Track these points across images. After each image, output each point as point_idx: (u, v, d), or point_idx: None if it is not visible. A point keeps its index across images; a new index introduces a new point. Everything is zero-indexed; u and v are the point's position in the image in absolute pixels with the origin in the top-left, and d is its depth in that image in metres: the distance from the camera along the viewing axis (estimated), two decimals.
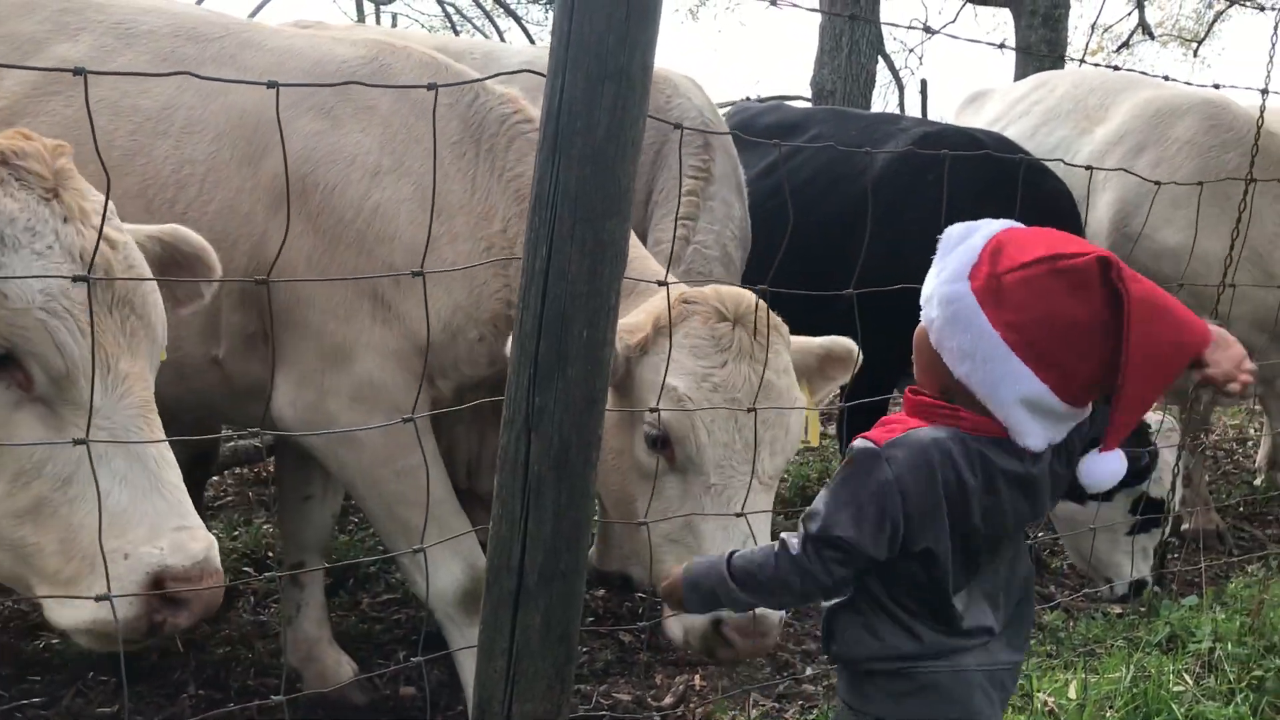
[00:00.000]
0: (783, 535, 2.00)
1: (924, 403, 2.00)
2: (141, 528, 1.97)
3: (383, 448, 2.89)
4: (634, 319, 2.82)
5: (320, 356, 2.92)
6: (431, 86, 2.05)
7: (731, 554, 2.06)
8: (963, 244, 1.96)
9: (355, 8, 16.08)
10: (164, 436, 2.08)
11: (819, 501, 1.96)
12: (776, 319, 2.84)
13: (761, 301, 2.78)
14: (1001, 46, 3.18)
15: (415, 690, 3.52)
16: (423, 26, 19.82)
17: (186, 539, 1.99)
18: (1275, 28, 3.09)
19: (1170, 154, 4.99)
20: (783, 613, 2.63)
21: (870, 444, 1.93)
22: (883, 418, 2.08)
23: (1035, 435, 1.92)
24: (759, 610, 2.54)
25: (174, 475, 2.05)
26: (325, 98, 2.93)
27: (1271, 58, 3.16)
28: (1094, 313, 1.83)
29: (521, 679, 2.02)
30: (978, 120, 6.24)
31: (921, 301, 1.99)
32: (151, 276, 2.18)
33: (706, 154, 3.90)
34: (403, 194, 2.91)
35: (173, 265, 2.35)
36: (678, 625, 2.71)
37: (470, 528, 2.99)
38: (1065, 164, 4.09)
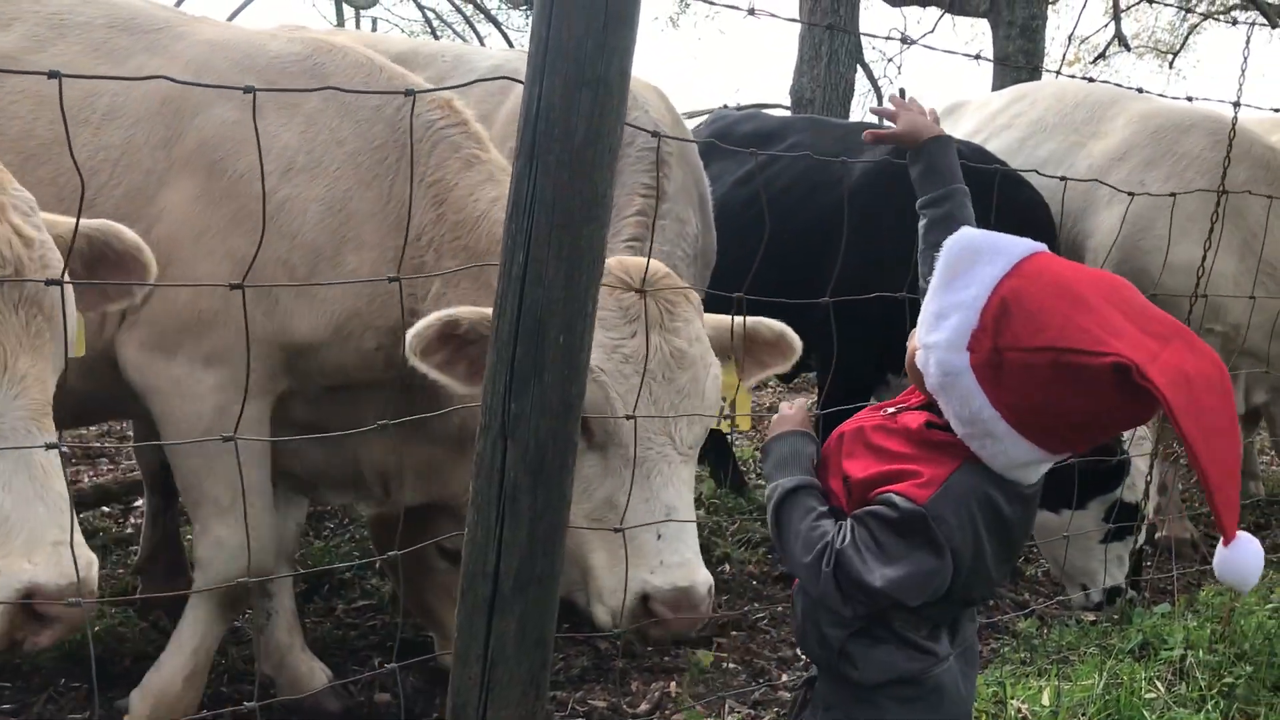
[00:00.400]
0: (829, 542, 1.90)
1: (941, 440, 1.91)
2: (19, 538, 1.90)
3: (214, 417, 2.83)
4: None
5: (181, 322, 2.86)
6: (410, 93, 2.05)
7: (804, 487, 1.98)
8: (964, 277, 1.85)
9: (335, 12, 16.05)
10: (56, 441, 2.01)
11: (856, 538, 1.88)
12: (686, 286, 2.82)
13: (667, 269, 2.75)
14: (978, 58, 3.21)
15: (390, 696, 3.50)
16: (402, 31, 19.80)
17: (65, 556, 1.90)
18: (1247, 41, 3.13)
19: (1180, 169, 5.02)
20: (710, 583, 2.59)
21: (914, 505, 1.85)
22: (875, 423, 2.02)
23: (1036, 476, 1.94)
24: (686, 582, 2.53)
25: (59, 484, 1.98)
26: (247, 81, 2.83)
27: (1244, 71, 3.20)
28: (1107, 404, 1.76)
29: (497, 686, 2.02)
30: (955, 132, 6.26)
31: (921, 331, 1.91)
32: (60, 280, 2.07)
33: (660, 169, 3.62)
34: (313, 194, 2.85)
35: (103, 262, 2.30)
36: (603, 610, 2.65)
37: (271, 533, 2.99)
38: (1067, 179, 4.14)
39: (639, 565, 2.55)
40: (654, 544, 2.57)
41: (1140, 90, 4.10)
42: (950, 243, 1.91)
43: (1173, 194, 4.11)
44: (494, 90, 4.75)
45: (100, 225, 2.32)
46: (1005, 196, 3.69)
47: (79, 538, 1.97)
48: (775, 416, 2.14)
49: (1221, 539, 1.81)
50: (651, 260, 2.75)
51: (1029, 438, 1.82)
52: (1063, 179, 3.48)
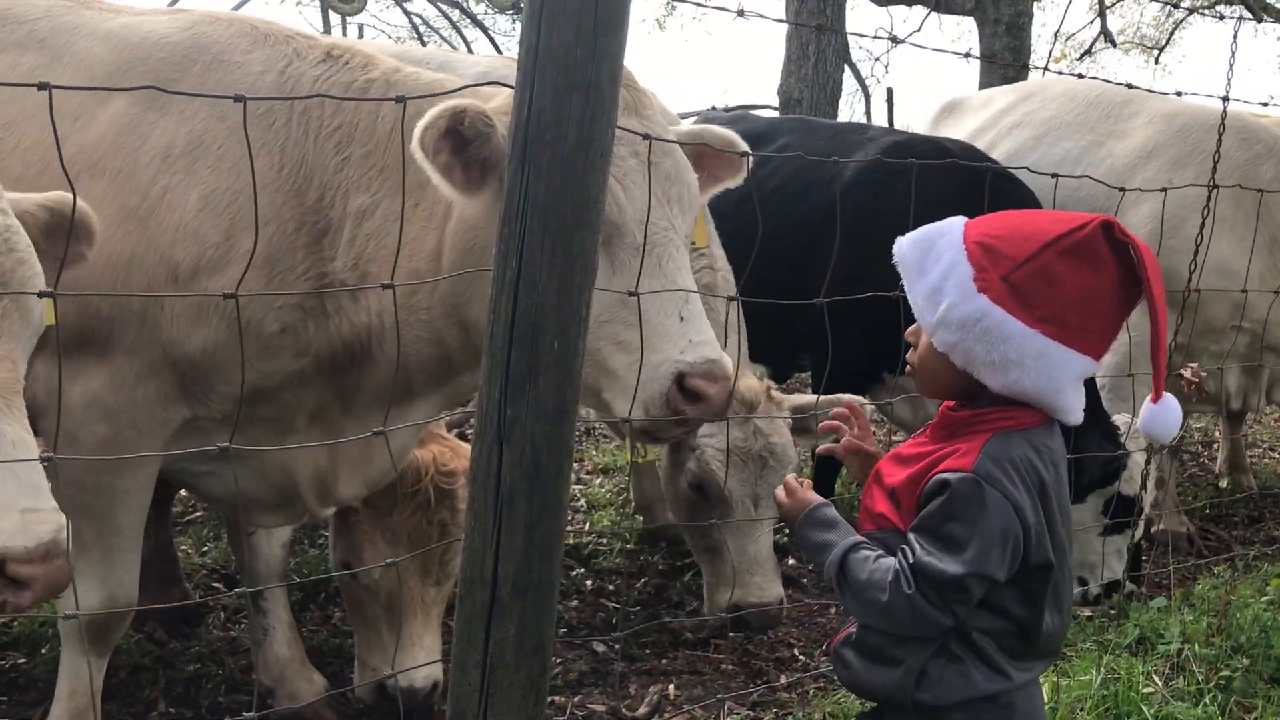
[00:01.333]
0: (899, 566, 1.89)
1: (965, 417, 1.95)
2: None
3: (93, 454, 2.66)
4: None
5: (67, 348, 2.61)
6: (400, 100, 2.03)
7: (857, 544, 1.96)
8: (931, 257, 1.93)
9: (321, 20, 16.04)
10: (24, 419, 2.00)
11: (923, 545, 1.87)
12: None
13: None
14: (967, 56, 3.23)
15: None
16: (390, 38, 19.79)
17: (33, 520, 1.91)
18: (1234, 36, 3.14)
19: (1210, 168, 5.05)
20: (732, 364, 2.56)
21: (962, 473, 1.86)
22: (895, 451, 2.05)
23: (1077, 410, 1.96)
24: (715, 354, 2.48)
25: (31, 453, 1.97)
26: (134, 78, 2.69)
27: (1232, 65, 3.21)
28: (1111, 275, 1.88)
29: (496, 691, 2.02)
30: (957, 131, 6.26)
31: (925, 316, 1.94)
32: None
33: None
34: (198, 178, 2.64)
35: (59, 230, 2.22)
36: (639, 403, 2.46)
37: (134, 572, 2.85)
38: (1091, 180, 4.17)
39: (666, 348, 2.45)
40: (678, 326, 2.48)
41: (1130, 85, 4.12)
42: (902, 245, 1.99)
43: (1207, 189, 4.12)
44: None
45: (56, 197, 2.25)
46: (999, 193, 3.70)
47: (50, 502, 1.97)
48: (785, 507, 2.10)
49: (1151, 396, 2.00)
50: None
51: (1073, 344, 1.87)
52: (1060, 177, 3.50)
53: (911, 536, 1.89)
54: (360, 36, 18.57)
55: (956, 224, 1.95)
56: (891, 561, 1.90)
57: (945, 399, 2.01)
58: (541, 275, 1.94)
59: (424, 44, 18.79)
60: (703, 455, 3.81)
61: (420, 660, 3.14)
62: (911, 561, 1.86)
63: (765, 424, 3.82)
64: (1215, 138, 4.65)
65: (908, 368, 2.05)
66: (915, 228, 2.24)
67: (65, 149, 2.57)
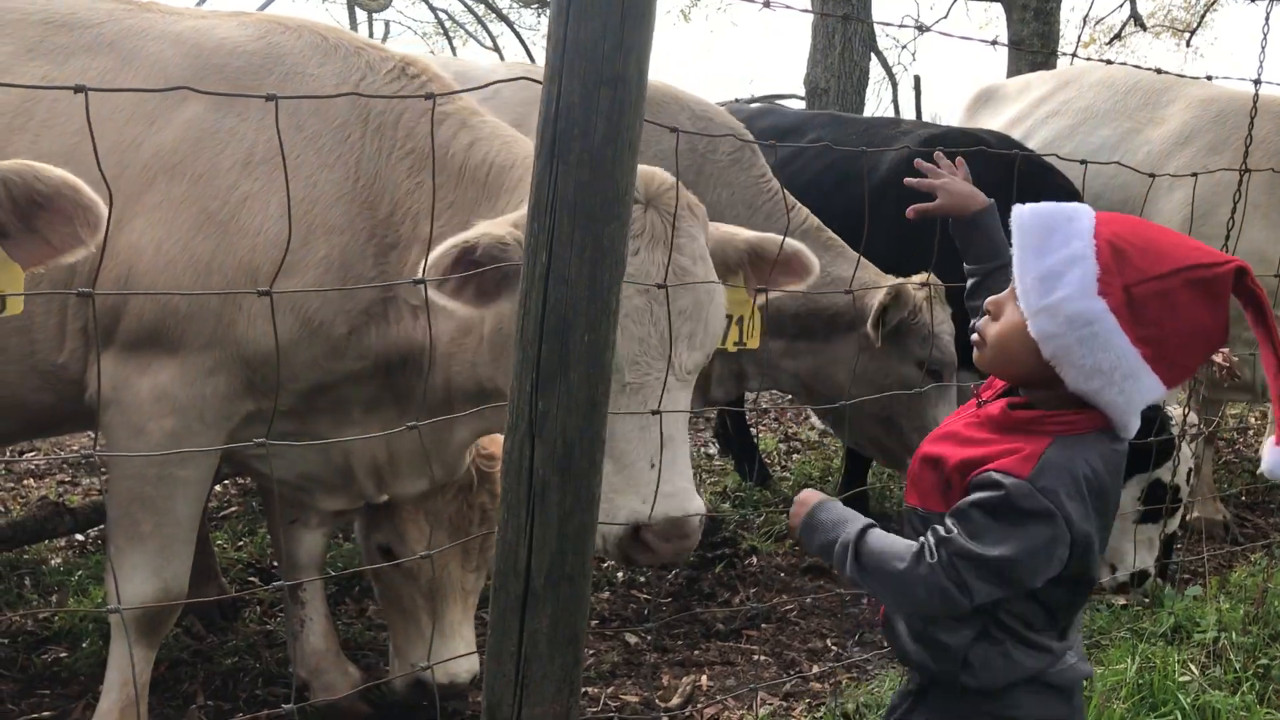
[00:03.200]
0: (925, 539, 1.89)
1: (1031, 418, 1.92)
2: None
3: (159, 446, 2.70)
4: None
5: (139, 343, 2.71)
6: (430, 96, 2.04)
7: (869, 527, 1.97)
8: (1056, 238, 1.86)
9: (347, 16, 16.11)
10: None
11: (962, 522, 1.86)
12: (691, 198, 2.64)
13: (677, 180, 2.59)
14: (994, 43, 3.19)
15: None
16: (415, 34, 19.86)
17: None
18: (1267, 18, 3.10)
19: (1240, 148, 5.01)
20: (702, 513, 2.53)
21: (1016, 478, 1.83)
22: (949, 426, 2.04)
23: (1135, 428, 1.94)
24: (678, 512, 2.45)
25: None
26: (211, 85, 2.74)
27: (1264, 48, 3.17)
28: (1220, 319, 1.85)
29: (530, 683, 2.03)
30: (994, 120, 6.22)
31: (1030, 299, 1.87)
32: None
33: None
34: (275, 185, 2.67)
35: (41, 213, 2.13)
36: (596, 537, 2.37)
37: (187, 564, 2.86)
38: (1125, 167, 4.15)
39: (631, 493, 2.45)
40: (647, 473, 2.45)
41: (1159, 70, 4.09)
42: (1023, 214, 1.91)
43: (1229, 174, 4.08)
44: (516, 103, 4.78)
45: (16, 166, 2.12)
46: (1036, 181, 3.69)
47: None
48: (796, 501, 2.10)
49: (1275, 438, 1.95)
50: (658, 170, 2.58)
51: (1159, 371, 1.84)
52: (1089, 164, 3.47)
53: (949, 520, 1.87)
54: (386, 32, 18.64)
55: (1085, 212, 1.89)
56: (914, 538, 1.91)
57: (1009, 381, 1.99)
58: (571, 269, 1.95)
59: (449, 39, 18.84)
60: (943, 343, 4.12)
61: (460, 650, 3.15)
62: (944, 535, 1.85)
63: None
64: (1257, 123, 4.60)
65: (974, 337, 2.01)
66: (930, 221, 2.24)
67: (142, 151, 2.71)
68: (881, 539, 1.94)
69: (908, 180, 2.41)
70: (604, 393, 2.01)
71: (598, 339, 1.98)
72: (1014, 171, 4.15)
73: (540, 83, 1.97)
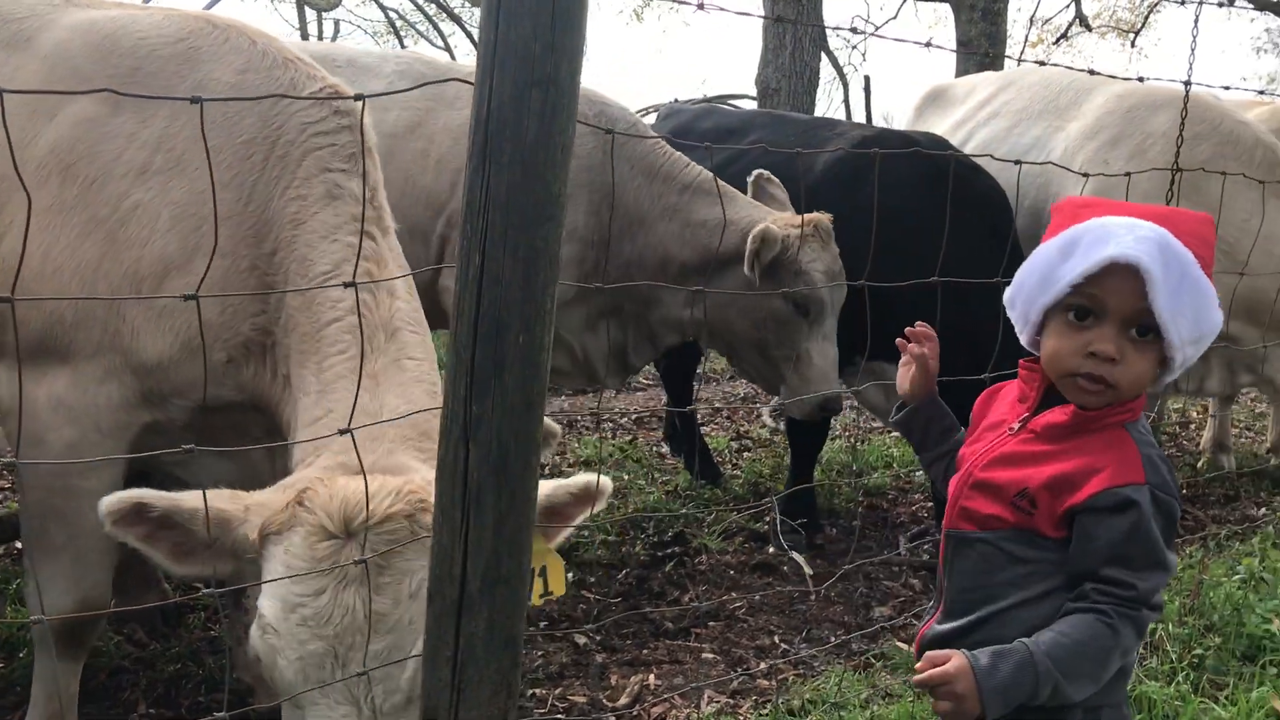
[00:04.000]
0: (1100, 607, 1.83)
1: (1100, 414, 1.92)
2: None
3: (59, 456, 2.64)
4: (270, 496, 2.23)
5: (33, 353, 2.66)
6: (360, 97, 2.03)
7: (1020, 647, 1.84)
8: (1182, 280, 1.85)
9: (296, 15, 15.96)
10: None
11: (1124, 565, 1.83)
12: (424, 515, 2.16)
13: (414, 497, 2.18)
14: (929, 45, 3.22)
15: None
16: (366, 33, 19.71)
17: None
18: (1196, 20, 3.16)
19: (1145, 146, 5.09)
20: None
21: (1136, 485, 1.85)
22: (991, 451, 2.01)
23: None
24: None
25: None
26: (113, 79, 2.66)
27: (1194, 50, 3.23)
28: None
29: (467, 687, 2.02)
30: (941, 123, 6.28)
31: (1175, 345, 1.86)
32: None
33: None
34: (169, 198, 2.62)
35: None
36: None
37: (106, 575, 2.79)
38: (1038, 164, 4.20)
39: None
40: None
41: (1092, 72, 4.15)
42: (1150, 264, 1.81)
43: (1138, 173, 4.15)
44: (417, 96, 4.74)
45: None
46: (963, 182, 3.76)
47: None
48: (938, 679, 1.85)
49: None
50: (392, 483, 2.19)
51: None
52: (1023, 164, 3.54)
53: (1109, 571, 1.83)
54: (336, 31, 18.49)
55: (1165, 235, 1.85)
56: (1060, 622, 1.85)
57: (1106, 405, 1.93)
58: (505, 271, 1.94)
59: (400, 38, 18.72)
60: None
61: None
62: (1121, 595, 1.82)
63: (835, 245, 4.40)
64: (1160, 117, 4.68)
65: (1096, 386, 1.90)
66: (879, 219, 2.26)
67: (38, 148, 2.64)
68: (1052, 640, 1.84)
69: (898, 342, 2.29)
70: (539, 395, 2.01)
71: (533, 340, 1.98)
72: (940, 172, 4.22)
73: (471, 83, 1.97)
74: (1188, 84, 3.35)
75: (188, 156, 2.63)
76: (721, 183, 4.43)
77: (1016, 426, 2.00)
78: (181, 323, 2.62)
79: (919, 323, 2.25)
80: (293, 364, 2.56)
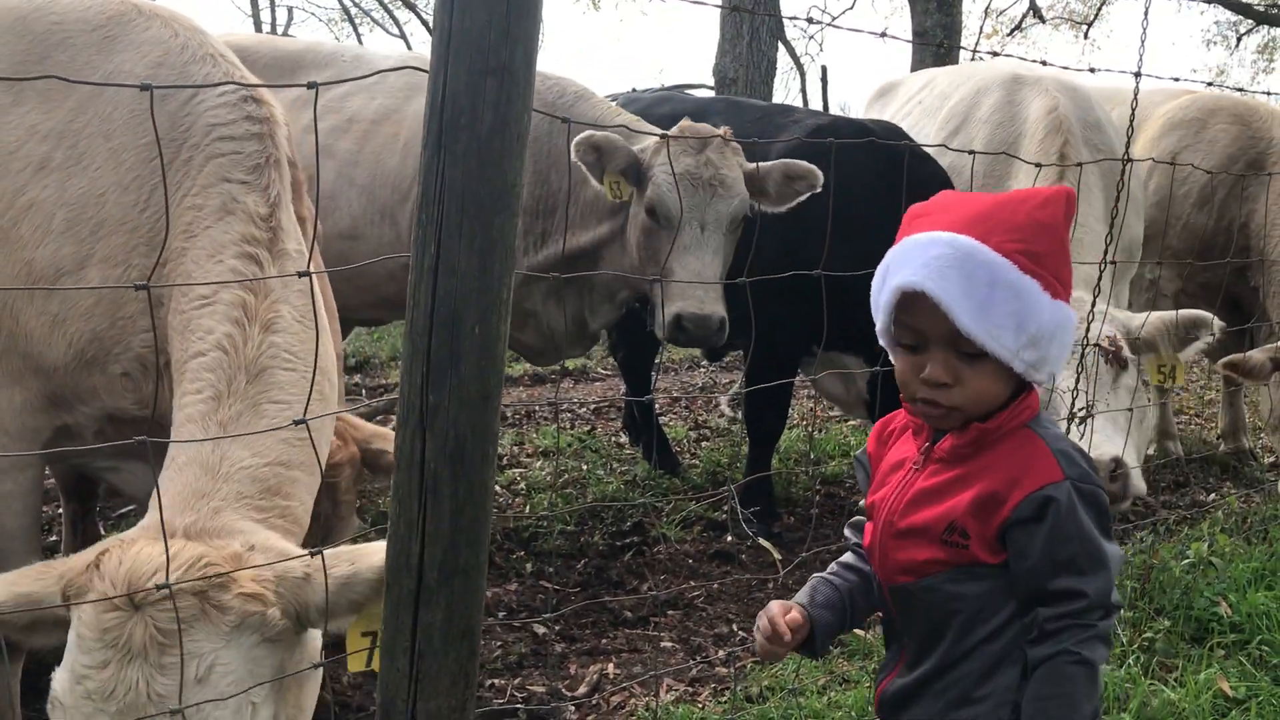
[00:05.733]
0: (1052, 655, 1.72)
1: (998, 424, 1.82)
2: None
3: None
4: (79, 559, 2.07)
5: None
6: (312, 85, 2.00)
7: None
8: (977, 285, 1.73)
9: (250, 2, 15.77)
10: None
11: (1070, 582, 1.73)
12: (220, 593, 2.00)
13: (212, 570, 2.01)
14: (883, 35, 3.23)
15: (325, 694, 3.48)
16: (320, 20, 19.52)
17: None
18: (1145, 13, 3.21)
19: (974, 130, 5.22)
20: None
21: (1055, 483, 1.75)
22: (904, 494, 1.89)
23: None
24: None
25: None
26: (21, 65, 2.55)
27: (1143, 42, 3.27)
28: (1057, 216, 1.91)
29: (425, 677, 2.01)
30: (883, 116, 6.36)
31: (1005, 352, 1.74)
32: None
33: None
34: (67, 196, 2.49)
35: None
36: None
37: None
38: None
39: None
40: None
41: (1044, 63, 4.20)
42: (931, 283, 1.73)
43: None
44: (401, 87, 4.77)
45: None
46: (911, 172, 3.82)
47: None
48: None
49: None
50: (179, 548, 2.02)
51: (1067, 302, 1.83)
52: (976, 154, 3.60)
53: (1054, 583, 1.74)
54: (290, 19, 18.29)
55: (969, 243, 1.75)
56: (1046, 674, 1.73)
57: (982, 419, 1.83)
58: (461, 260, 1.93)
59: (355, 26, 18.55)
60: (657, 182, 4.19)
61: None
62: (1082, 604, 1.73)
63: (716, 155, 4.22)
64: (988, 101, 4.71)
65: (937, 411, 1.82)
66: (837, 207, 2.25)
67: None
68: (1042, 712, 1.74)
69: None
70: (496, 385, 2.00)
71: (489, 330, 1.97)
72: (893, 161, 4.25)
73: (426, 71, 1.95)
74: (1138, 75, 3.40)
75: (90, 153, 2.51)
76: (634, 118, 4.46)
77: (921, 460, 1.89)
78: (74, 331, 2.53)
79: (777, 622, 1.96)
80: (174, 391, 2.41)
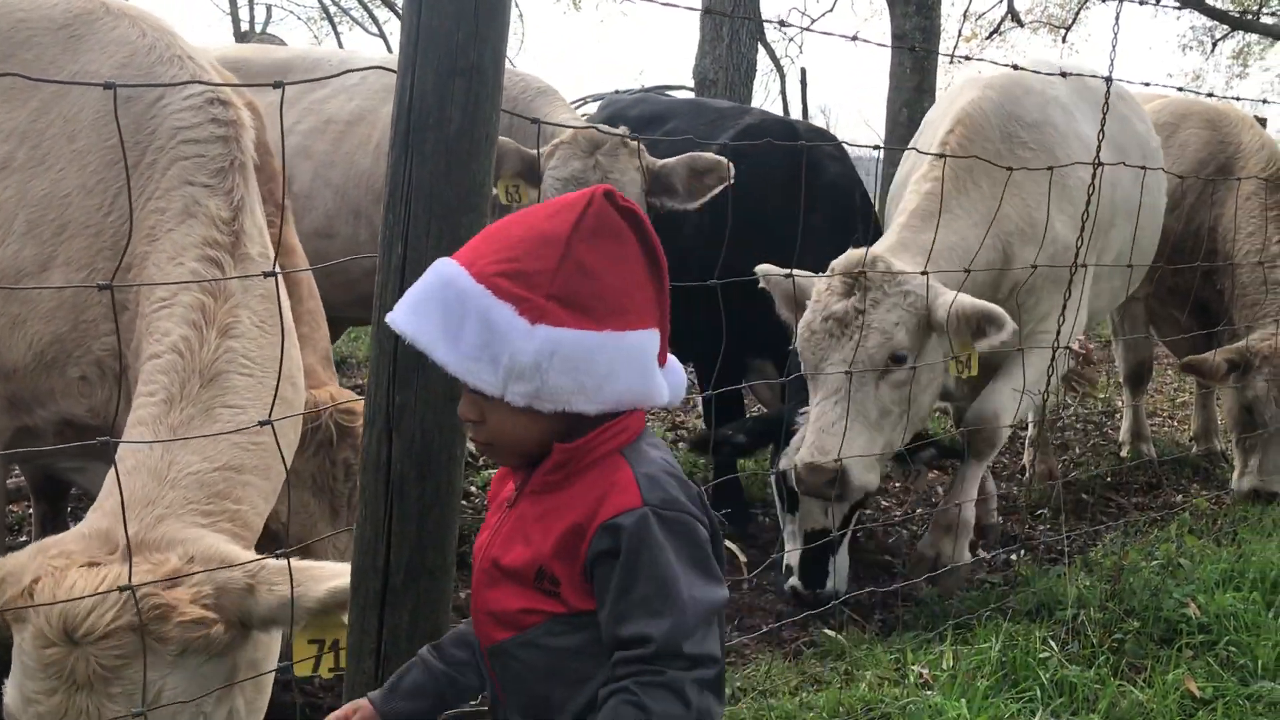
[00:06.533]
0: (612, 694, 1.53)
1: (574, 451, 1.63)
2: None
3: None
4: (18, 565, 2.03)
5: None
6: (278, 84, 1.98)
7: None
8: (450, 318, 1.59)
9: (229, 1, 15.70)
10: None
11: (641, 620, 1.53)
12: (160, 624, 1.94)
13: (149, 603, 1.94)
14: (854, 39, 3.22)
15: (295, 696, 3.46)
16: (299, 19, 19.45)
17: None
18: (1116, 17, 3.23)
19: (926, 131, 5.16)
20: None
21: (633, 510, 1.57)
22: (495, 538, 1.70)
23: (665, 385, 1.72)
24: None
25: None
26: None
27: (1114, 46, 3.29)
28: (630, 239, 1.68)
29: None
30: None
31: (492, 387, 1.58)
32: None
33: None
34: (29, 197, 2.46)
35: None
36: None
37: None
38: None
39: None
40: None
41: (1016, 67, 4.22)
42: (399, 321, 1.63)
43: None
44: (379, 89, 4.78)
45: None
46: (816, 171, 3.89)
47: None
48: None
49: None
50: (103, 575, 1.96)
51: (637, 326, 1.64)
52: (877, 148, 3.68)
53: (623, 628, 1.54)
54: (269, 17, 18.22)
55: (451, 270, 1.61)
56: (604, 693, 1.55)
57: (538, 456, 1.65)
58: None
59: (334, 25, 18.50)
60: (544, 187, 4.20)
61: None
62: (646, 651, 1.52)
63: (607, 158, 4.18)
64: (962, 96, 4.67)
65: (482, 448, 1.71)
66: (748, 209, 2.16)
67: None
68: None
69: None
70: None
71: None
72: (797, 162, 4.26)
73: (394, 71, 1.95)
74: (1109, 80, 3.42)
75: (53, 155, 2.47)
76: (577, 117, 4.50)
77: (514, 496, 1.71)
78: (35, 333, 2.50)
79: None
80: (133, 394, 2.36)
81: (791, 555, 4.12)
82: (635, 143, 4.23)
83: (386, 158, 1.95)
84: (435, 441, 1.97)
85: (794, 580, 4.06)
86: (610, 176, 4.13)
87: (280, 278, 2.33)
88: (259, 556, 2.05)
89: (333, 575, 2.01)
